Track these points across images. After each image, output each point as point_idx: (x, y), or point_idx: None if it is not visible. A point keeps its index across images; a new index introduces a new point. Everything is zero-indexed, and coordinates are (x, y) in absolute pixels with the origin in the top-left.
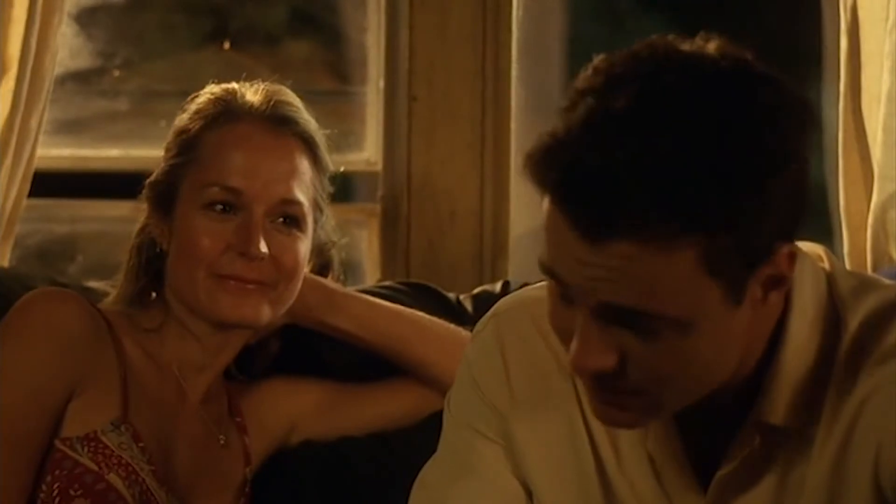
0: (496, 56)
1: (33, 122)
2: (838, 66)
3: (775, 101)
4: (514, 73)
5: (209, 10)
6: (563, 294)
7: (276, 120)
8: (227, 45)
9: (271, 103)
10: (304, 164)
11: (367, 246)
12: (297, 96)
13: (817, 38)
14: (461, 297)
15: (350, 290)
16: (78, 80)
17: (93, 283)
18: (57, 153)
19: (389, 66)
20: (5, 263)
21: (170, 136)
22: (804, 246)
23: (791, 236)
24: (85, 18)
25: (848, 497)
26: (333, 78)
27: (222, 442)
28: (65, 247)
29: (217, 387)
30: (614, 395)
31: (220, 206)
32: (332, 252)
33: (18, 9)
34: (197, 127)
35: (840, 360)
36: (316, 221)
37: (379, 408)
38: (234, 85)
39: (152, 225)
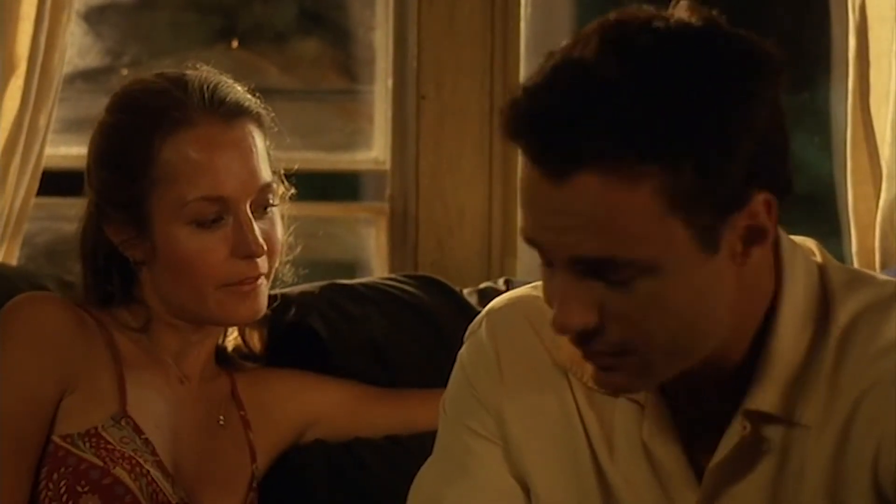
0: (504, 54)
1: (42, 121)
2: (846, 66)
3: (736, 47)
4: (522, 71)
5: (218, 8)
6: (546, 261)
7: (227, 112)
8: (235, 44)
9: (215, 93)
10: (260, 140)
11: (375, 245)
12: (306, 95)
13: (825, 37)
14: (465, 291)
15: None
16: (86, 78)
17: None
18: (65, 152)
19: (398, 64)
20: (14, 262)
21: (104, 141)
22: (796, 239)
23: (768, 186)
24: (94, 17)
25: (848, 494)
26: (342, 76)
27: (221, 422)
28: (73, 245)
29: (212, 364)
30: (604, 356)
31: (209, 219)
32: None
33: (27, 7)
34: (148, 138)
35: (830, 352)
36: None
37: (407, 414)
38: (164, 81)
39: (123, 244)
